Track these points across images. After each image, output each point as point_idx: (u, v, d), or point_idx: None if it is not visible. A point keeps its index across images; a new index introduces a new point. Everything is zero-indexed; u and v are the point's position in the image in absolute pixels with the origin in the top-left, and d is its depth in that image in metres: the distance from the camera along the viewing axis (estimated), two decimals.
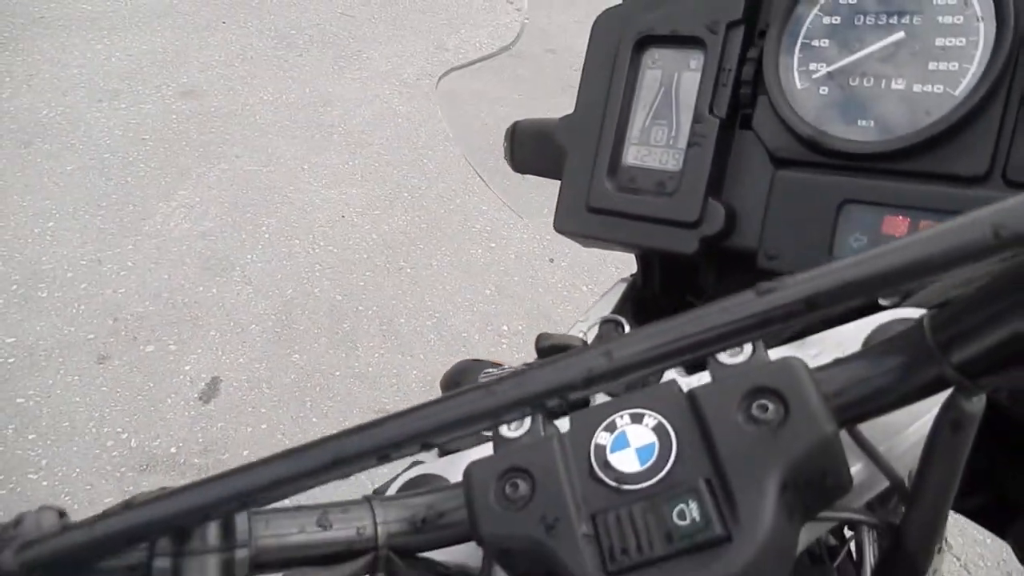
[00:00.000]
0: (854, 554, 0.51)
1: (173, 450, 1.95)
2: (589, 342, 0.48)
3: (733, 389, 0.34)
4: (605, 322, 0.45)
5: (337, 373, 2.18)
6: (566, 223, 0.63)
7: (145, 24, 3.56)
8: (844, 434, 0.36)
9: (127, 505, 0.33)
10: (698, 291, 0.64)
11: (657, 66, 0.61)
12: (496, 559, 0.37)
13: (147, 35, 3.48)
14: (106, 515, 0.33)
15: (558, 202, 0.64)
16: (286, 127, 3.07)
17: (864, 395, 0.34)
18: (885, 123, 0.52)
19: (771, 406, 0.32)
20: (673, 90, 0.60)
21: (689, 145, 0.57)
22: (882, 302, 0.46)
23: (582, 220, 0.62)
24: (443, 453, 0.50)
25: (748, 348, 0.35)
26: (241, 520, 0.36)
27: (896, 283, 0.26)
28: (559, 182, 0.67)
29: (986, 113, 0.49)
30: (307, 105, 3.21)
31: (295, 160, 2.91)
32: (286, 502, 0.39)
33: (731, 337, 0.27)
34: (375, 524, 0.38)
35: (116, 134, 2.91)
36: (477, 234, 2.70)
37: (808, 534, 0.39)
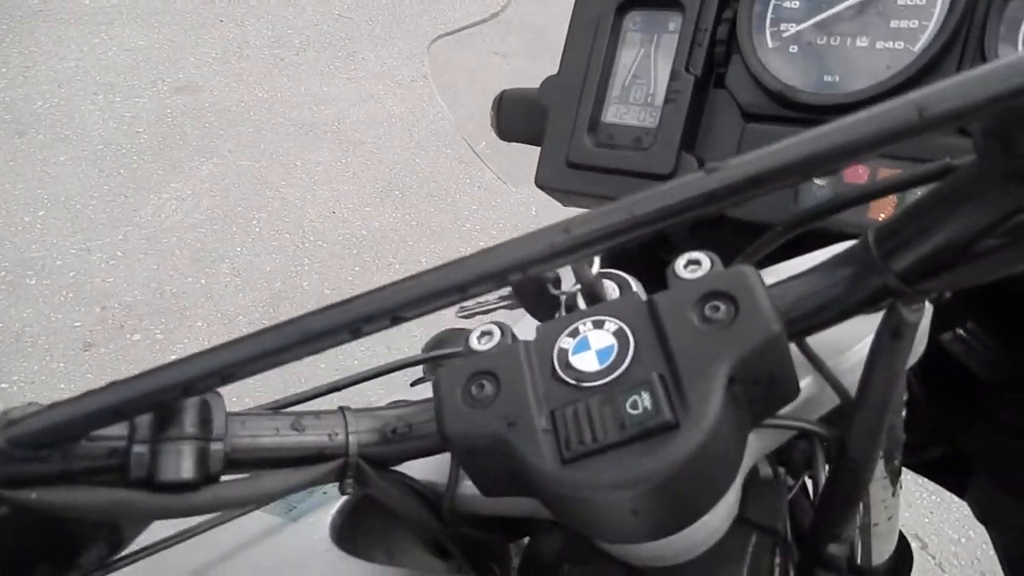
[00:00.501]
0: (810, 493, 0.53)
1: None
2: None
3: (689, 293, 0.36)
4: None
5: (323, 366, 2.19)
6: (547, 178, 0.65)
7: (142, 20, 3.58)
8: (794, 350, 0.38)
9: (111, 384, 0.34)
10: (670, 248, 0.66)
11: (638, 28, 0.63)
12: (461, 462, 0.39)
13: (144, 31, 3.50)
14: (90, 392, 0.34)
15: (540, 159, 0.66)
16: (280, 124, 3.09)
17: (813, 307, 0.36)
18: (849, 77, 0.54)
19: (722, 307, 0.35)
20: (652, 51, 0.62)
21: (666, 102, 0.60)
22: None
23: (562, 175, 0.64)
24: None
25: (707, 263, 0.38)
26: (218, 416, 0.37)
27: (833, 162, 0.28)
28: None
29: (942, 67, 0.51)
30: (302, 103, 3.23)
31: (288, 156, 2.93)
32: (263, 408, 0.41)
33: (681, 212, 0.29)
34: (347, 432, 0.40)
35: (110, 126, 2.92)
36: (467, 232, 2.72)
37: (760, 443, 0.41)
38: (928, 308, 0.41)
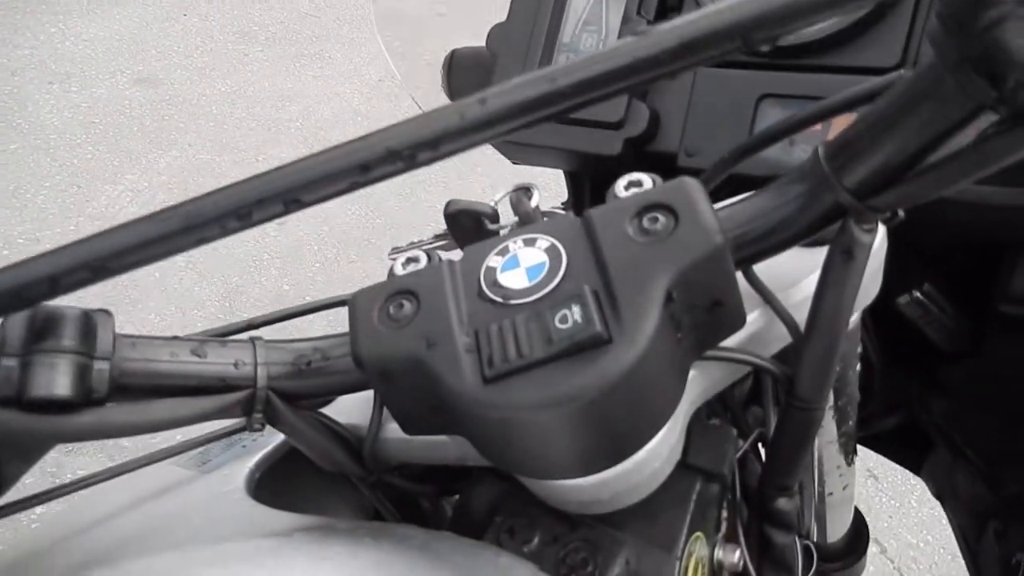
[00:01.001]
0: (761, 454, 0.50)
1: None
2: (498, 210, 0.47)
3: (626, 207, 0.33)
4: (516, 188, 0.44)
5: None
6: None
7: (103, 11, 3.51)
8: (742, 283, 0.35)
9: None
10: None
11: None
12: (378, 391, 0.36)
13: (104, 21, 3.42)
14: None
15: None
16: (242, 119, 3.04)
17: (760, 228, 0.34)
18: None
19: (661, 218, 0.32)
20: None
21: None
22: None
23: None
24: None
25: (648, 183, 0.35)
26: (104, 334, 0.34)
27: (768, 28, 0.25)
28: None
29: (897, 9, 0.50)
30: (265, 99, 3.18)
31: (250, 151, 2.87)
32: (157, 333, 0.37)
33: (611, 82, 0.26)
34: (256, 362, 0.36)
35: (65, 116, 2.84)
36: (431, 231, 2.69)
37: (705, 380, 0.38)
38: (882, 231, 0.39)
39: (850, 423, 0.55)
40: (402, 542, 0.36)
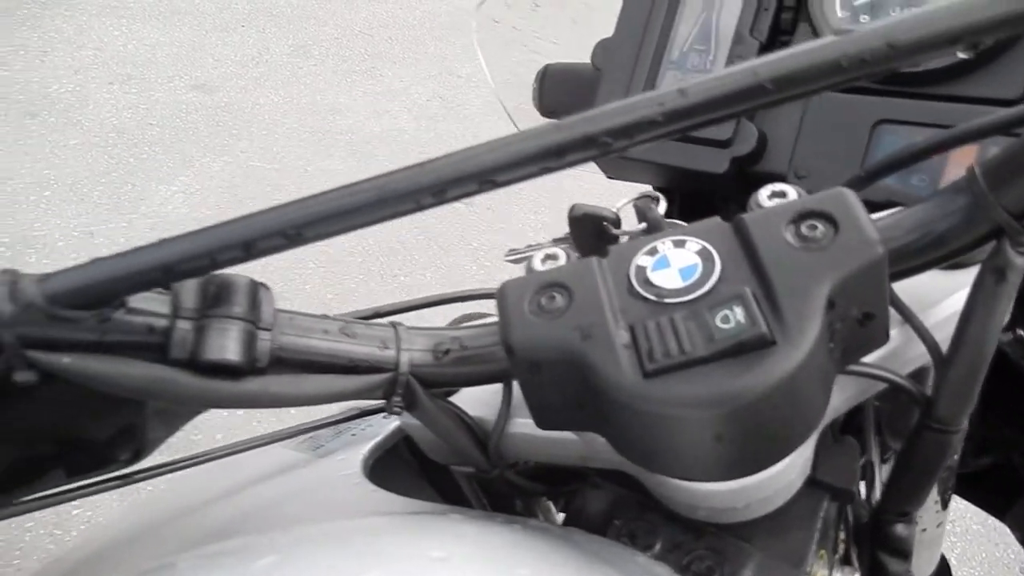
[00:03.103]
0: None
1: None
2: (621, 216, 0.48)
3: (780, 214, 0.33)
4: (641, 196, 0.45)
5: None
6: None
7: (165, 19, 3.60)
8: None
9: (161, 240, 0.32)
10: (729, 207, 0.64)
11: None
12: (522, 380, 0.36)
13: (166, 28, 3.52)
14: (138, 248, 0.31)
15: None
16: (294, 130, 3.09)
17: (915, 241, 0.34)
18: None
19: (820, 227, 0.32)
20: (714, 17, 0.61)
21: (726, 66, 0.58)
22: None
23: None
24: None
25: (793, 194, 0.35)
26: (267, 307, 0.35)
27: (920, 51, 0.26)
28: None
29: (1020, 41, 0.50)
30: (317, 112, 3.23)
31: (300, 161, 2.92)
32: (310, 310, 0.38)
33: (817, 78, 0.27)
34: (399, 347, 0.37)
35: (124, 116, 2.91)
36: (474, 251, 2.70)
37: (841, 394, 0.38)
38: None
39: (955, 457, 0.54)
40: (536, 532, 0.36)
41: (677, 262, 0.34)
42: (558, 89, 0.77)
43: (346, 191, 0.30)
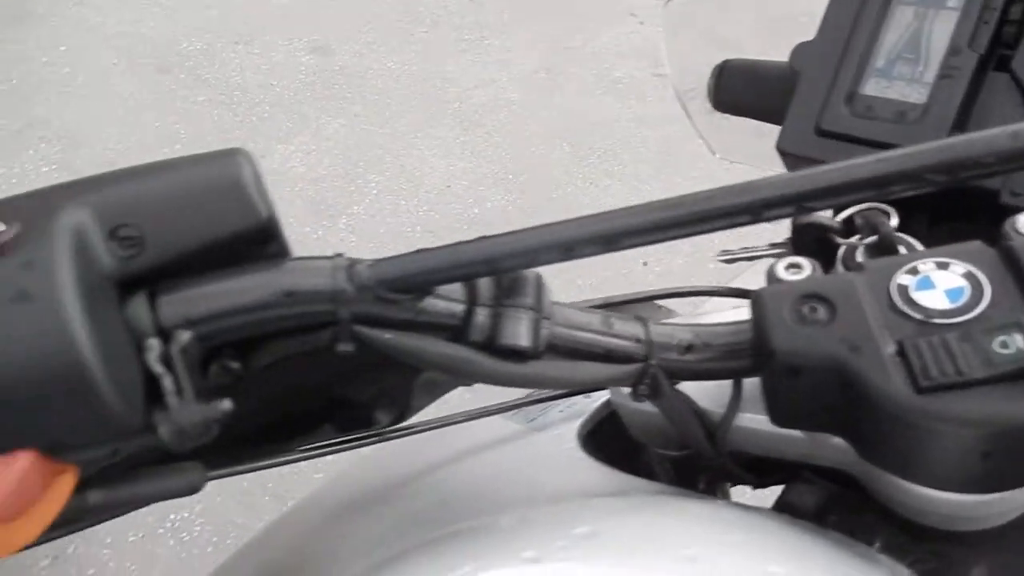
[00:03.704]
0: None
1: None
2: None
3: None
4: (871, 207, 0.46)
5: None
6: (791, 143, 0.65)
7: None
8: None
9: (481, 238, 0.35)
10: None
11: (911, 1, 0.62)
12: (774, 383, 0.38)
13: None
14: (460, 243, 0.35)
15: (785, 124, 0.65)
16: (405, 96, 3.15)
17: None
18: None
19: None
20: (926, 26, 0.61)
21: (940, 77, 0.58)
22: None
23: (808, 141, 0.63)
24: None
25: None
26: (546, 296, 0.38)
27: None
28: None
29: None
30: (427, 79, 3.29)
31: (410, 127, 2.98)
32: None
33: None
34: (649, 340, 0.40)
35: (247, 75, 3.03)
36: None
37: None
38: None
39: None
40: (770, 518, 0.39)
41: (942, 284, 0.35)
42: (737, 85, 0.78)
43: (665, 204, 0.33)
